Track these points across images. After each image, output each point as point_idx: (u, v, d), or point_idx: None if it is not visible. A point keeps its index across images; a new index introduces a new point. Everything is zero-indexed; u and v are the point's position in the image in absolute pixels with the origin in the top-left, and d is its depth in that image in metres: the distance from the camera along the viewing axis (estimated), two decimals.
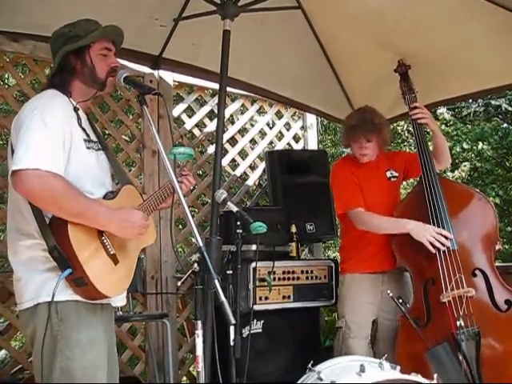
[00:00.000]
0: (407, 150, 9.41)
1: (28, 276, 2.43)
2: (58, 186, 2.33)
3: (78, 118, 2.55)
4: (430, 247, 3.54)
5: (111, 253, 2.48)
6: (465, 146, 9.60)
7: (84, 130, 2.57)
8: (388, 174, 4.04)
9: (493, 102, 10.82)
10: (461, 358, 3.36)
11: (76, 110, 2.56)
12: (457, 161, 9.54)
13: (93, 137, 2.65)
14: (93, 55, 2.61)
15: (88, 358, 2.42)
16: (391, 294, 3.50)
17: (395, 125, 9.26)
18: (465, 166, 9.49)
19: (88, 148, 2.56)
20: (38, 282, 2.41)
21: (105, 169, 2.68)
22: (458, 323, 3.39)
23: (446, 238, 3.54)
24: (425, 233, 3.57)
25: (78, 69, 2.61)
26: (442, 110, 9.82)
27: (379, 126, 3.90)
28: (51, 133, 2.38)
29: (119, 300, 2.68)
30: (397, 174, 4.06)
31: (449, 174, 9.24)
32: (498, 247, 3.72)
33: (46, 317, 2.36)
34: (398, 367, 2.81)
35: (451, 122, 10.02)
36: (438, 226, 3.60)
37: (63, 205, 2.34)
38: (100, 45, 2.64)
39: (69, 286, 2.39)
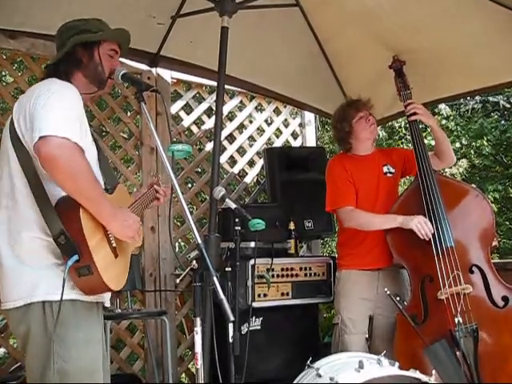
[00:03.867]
0: (405, 147, 9.43)
1: (18, 272, 2.33)
2: (83, 163, 2.26)
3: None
4: (418, 232, 3.57)
5: (113, 245, 2.44)
6: (464, 142, 9.61)
7: (90, 124, 2.54)
8: (385, 169, 4.03)
9: (491, 99, 10.85)
10: (459, 354, 3.36)
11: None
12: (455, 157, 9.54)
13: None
14: (101, 52, 2.62)
15: (85, 359, 2.37)
16: (388, 292, 3.51)
17: (393, 122, 9.28)
18: (462, 162, 9.51)
19: (92, 142, 2.53)
20: (31, 280, 2.31)
21: (97, 165, 2.62)
22: (456, 320, 3.40)
23: (430, 229, 3.58)
24: (413, 220, 3.59)
25: (85, 62, 2.59)
26: (442, 106, 9.83)
27: (370, 101, 4.01)
28: (72, 112, 2.33)
29: (107, 300, 2.63)
30: (393, 171, 4.04)
31: (446, 170, 9.24)
32: (494, 243, 3.73)
33: (41, 317, 2.30)
34: (397, 363, 2.83)
35: (451, 118, 10.03)
36: (435, 224, 3.60)
37: (82, 184, 2.25)
38: (109, 45, 2.66)
39: (66, 284, 2.30)
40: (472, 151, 9.68)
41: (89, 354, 2.40)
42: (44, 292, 2.30)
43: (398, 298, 3.52)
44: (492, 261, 3.66)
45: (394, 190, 4.08)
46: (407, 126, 4.05)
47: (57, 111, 2.27)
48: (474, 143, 9.65)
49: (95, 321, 2.49)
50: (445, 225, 3.61)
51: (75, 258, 2.26)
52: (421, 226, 3.57)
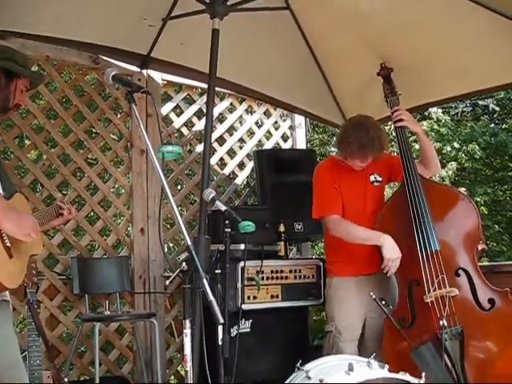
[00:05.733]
0: (394, 150, 9.44)
1: None
2: None
3: None
4: (387, 268, 3.67)
5: (7, 245, 2.52)
6: (456, 145, 9.64)
7: None
8: (372, 177, 4.02)
9: (480, 103, 10.90)
10: (445, 357, 3.38)
11: None
12: (444, 161, 9.58)
13: None
14: (18, 85, 2.80)
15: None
16: (374, 296, 3.52)
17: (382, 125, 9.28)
18: (451, 165, 9.53)
19: None
20: None
21: None
22: (440, 323, 3.41)
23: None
24: (392, 255, 3.65)
25: (1, 86, 2.76)
26: (433, 109, 9.85)
27: (385, 143, 3.88)
28: None
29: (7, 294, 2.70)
30: (380, 179, 4.05)
31: None
32: (481, 247, 3.74)
33: None
34: (387, 366, 2.83)
35: (443, 121, 10.06)
36: (420, 228, 3.63)
37: None
38: (26, 81, 2.85)
39: None
40: (463, 155, 9.70)
41: (1, 354, 2.50)
42: None
43: (383, 302, 3.53)
44: (480, 264, 3.68)
45: (381, 198, 4.10)
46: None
47: None
48: (464, 147, 9.67)
49: (3, 320, 2.60)
50: (429, 229, 3.63)
51: None
52: (391, 263, 3.65)
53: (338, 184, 3.92)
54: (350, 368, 2.75)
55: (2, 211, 2.44)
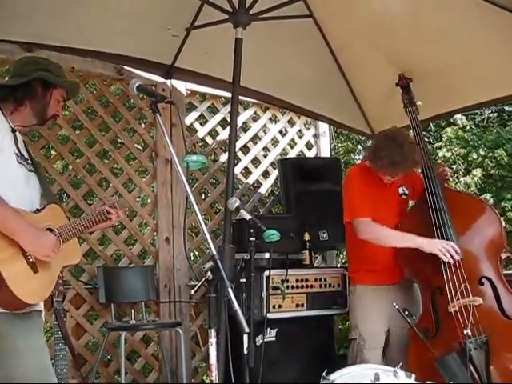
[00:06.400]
0: None
1: None
2: None
3: (15, 138, 2.68)
4: (443, 256, 3.53)
5: (31, 260, 2.53)
6: (481, 152, 9.54)
7: (18, 148, 2.68)
8: (400, 190, 4.01)
9: (506, 108, 10.79)
10: (470, 367, 3.33)
11: (13, 131, 2.68)
12: (470, 167, 9.50)
13: (27, 157, 2.76)
14: (53, 95, 2.82)
15: (27, 366, 2.47)
16: (397, 306, 3.48)
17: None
18: (477, 171, 9.43)
19: (19, 163, 2.66)
20: None
21: (35, 190, 2.77)
22: (465, 332, 3.37)
23: (456, 252, 3.54)
24: (436, 244, 3.56)
25: (38, 96, 2.78)
26: (458, 116, 9.78)
27: (418, 161, 3.81)
28: None
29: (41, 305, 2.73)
30: (407, 192, 4.04)
31: (461, 179, 9.19)
32: (505, 255, 3.70)
33: None
34: (413, 375, 2.80)
35: (467, 128, 9.97)
36: (442, 236, 3.60)
37: None
38: (61, 91, 2.87)
39: None
40: (489, 161, 9.60)
41: (32, 360, 2.51)
42: None
43: (406, 312, 3.49)
44: (505, 272, 3.63)
45: (406, 210, 4.07)
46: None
47: None
48: (490, 153, 9.57)
49: (34, 329, 2.61)
50: (451, 237, 3.60)
51: None
52: (445, 250, 3.54)
53: (369, 191, 3.87)
54: (377, 378, 2.72)
55: (20, 229, 2.48)
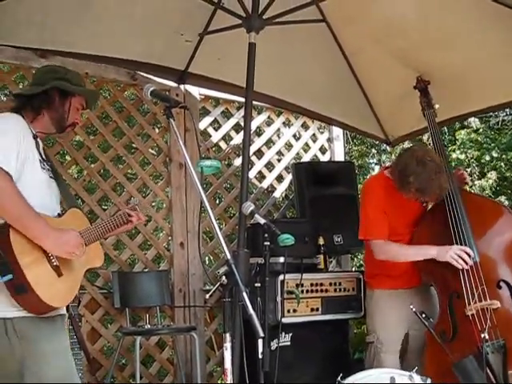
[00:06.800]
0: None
1: None
2: (5, 185, 2.39)
3: (37, 144, 2.68)
4: (455, 263, 3.53)
5: (54, 264, 2.53)
6: (494, 154, 9.49)
7: (41, 154, 2.70)
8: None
9: None
10: (488, 370, 3.31)
11: (35, 137, 2.69)
12: (484, 170, 9.45)
13: (49, 163, 2.79)
14: (72, 103, 2.83)
15: (55, 369, 2.47)
16: (414, 309, 3.46)
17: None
18: (491, 174, 9.38)
19: (42, 168, 2.67)
20: None
21: (55, 196, 2.77)
22: (482, 336, 3.35)
23: (469, 255, 3.52)
24: (449, 251, 3.55)
25: (56, 105, 2.79)
26: (471, 119, 9.73)
27: (444, 190, 3.66)
28: (6, 138, 2.49)
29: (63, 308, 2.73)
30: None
31: (476, 182, 9.14)
32: None
33: (3, 333, 2.40)
34: (429, 380, 2.79)
35: (481, 130, 9.93)
36: (459, 239, 3.59)
37: (6, 204, 2.40)
38: (80, 99, 2.87)
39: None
40: (502, 164, 9.54)
41: (59, 363, 2.51)
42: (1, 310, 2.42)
43: (423, 315, 3.47)
44: None
45: None
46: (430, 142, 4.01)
47: None
48: (504, 156, 9.52)
49: (59, 332, 2.62)
50: (468, 240, 3.58)
51: (8, 276, 2.37)
52: (457, 256, 3.53)
53: (388, 203, 3.81)
54: (392, 381, 2.71)
55: (42, 231, 2.48)
